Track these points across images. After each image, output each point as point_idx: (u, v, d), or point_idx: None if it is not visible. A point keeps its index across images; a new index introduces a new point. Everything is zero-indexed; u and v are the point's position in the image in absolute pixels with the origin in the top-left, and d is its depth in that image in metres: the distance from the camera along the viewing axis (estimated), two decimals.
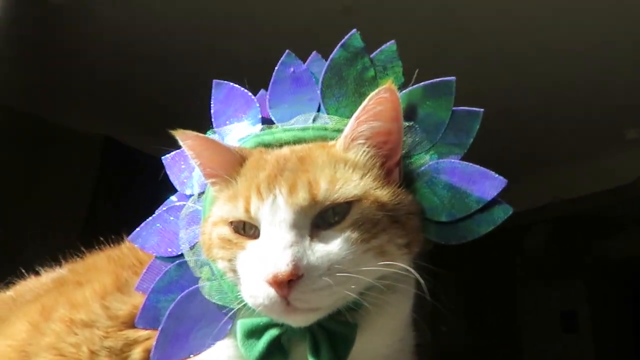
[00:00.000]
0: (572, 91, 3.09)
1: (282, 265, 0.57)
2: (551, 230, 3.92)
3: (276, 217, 0.61)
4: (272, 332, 0.65)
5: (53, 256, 0.91)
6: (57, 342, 0.70)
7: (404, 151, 0.72)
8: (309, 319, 0.62)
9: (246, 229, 0.65)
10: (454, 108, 0.73)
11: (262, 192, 0.63)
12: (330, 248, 0.60)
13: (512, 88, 3.03)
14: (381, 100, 0.66)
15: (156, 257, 0.75)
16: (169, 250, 0.74)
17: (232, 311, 0.68)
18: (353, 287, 0.61)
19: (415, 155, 0.73)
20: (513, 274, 4.21)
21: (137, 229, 0.78)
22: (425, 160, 0.72)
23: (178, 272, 0.72)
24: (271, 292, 0.58)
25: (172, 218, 0.76)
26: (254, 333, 0.66)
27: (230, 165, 0.69)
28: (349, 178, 0.64)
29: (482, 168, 0.71)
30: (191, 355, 0.68)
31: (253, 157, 0.70)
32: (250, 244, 0.63)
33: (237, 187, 0.67)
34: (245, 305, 0.66)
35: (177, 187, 0.79)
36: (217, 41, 2.78)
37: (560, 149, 3.65)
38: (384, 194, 0.65)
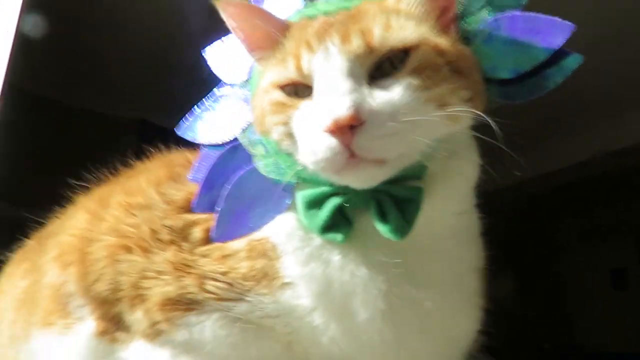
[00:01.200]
0: None
1: (342, 109, 0.54)
2: (597, 186, 3.79)
3: (330, 67, 0.58)
4: (335, 201, 0.62)
5: None
6: (116, 224, 0.69)
7: (460, 9, 0.68)
8: (373, 176, 0.59)
9: (299, 92, 0.62)
10: None
11: (313, 46, 0.60)
12: (391, 95, 0.57)
13: None
14: None
15: (206, 147, 0.73)
16: (220, 137, 0.72)
17: (290, 186, 0.65)
18: (419, 137, 0.57)
19: (471, 13, 0.68)
20: (560, 232, 4.11)
21: (185, 122, 0.76)
22: (482, 17, 0.67)
23: (231, 155, 0.70)
24: (332, 142, 0.55)
25: (218, 106, 0.74)
26: (315, 203, 0.63)
27: (272, 37, 0.66)
28: (405, 25, 0.61)
29: (546, 16, 0.66)
30: (252, 232, 0.66)
31: (296, 25, 0.66)
32: (305, 103, 0.61)
33: (285, 49, 0.64)
34: (303, 178, 0.63)
35: (221, 78, 0.76)
36: None
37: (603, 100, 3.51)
38: (443, 41, 0.61)
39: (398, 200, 0.61)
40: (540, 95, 0.65)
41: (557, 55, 0.65)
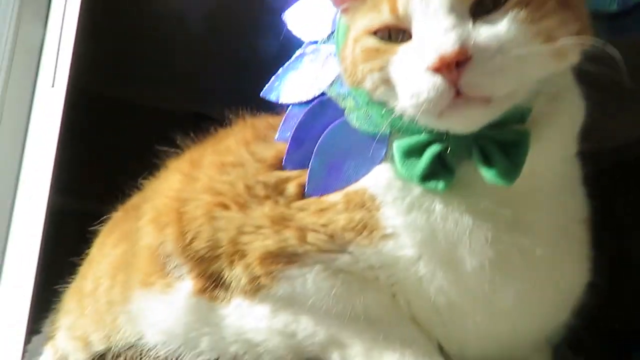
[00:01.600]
0: None
1: (447, 45, 0.52)
2: None
3: (430, 5, 0.55)
4: (434, 148, 0.60)
5: None
6: (211, 183, 0.69)
7: None
8: (479, 116, 0.56)
9: (393, 37, 0.59)
10: None
11: None
12: (498, 28, 0.54)
13: None
14: None
15: (291, 106, 0.72)
16: (305, 94, 0.71)
17: (384, 137, 0.63)
18: (527, 73, 0.55)
19: None
20: None
21: (267, 84, 0.75)
22: None
23: (320, 110, 0.68)
24: (437, 80, 0.52)
25: (301, 65, 0.73)
26: (413, 152, 0.60)
27: None
28: None
29: None
30: (347, 185, 0.64)
31: None
32: (402, 47, 0.58)
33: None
34: (398, 127, 0.62)
35: (302, 38, 0.76)
36: None
37: None
38: None
39: (502, 144, 0.58)
40: None
41: None
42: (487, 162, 0.58)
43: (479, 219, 0.59)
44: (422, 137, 0.60)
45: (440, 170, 0.60)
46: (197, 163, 0.74)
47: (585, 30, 0.59)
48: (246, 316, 0.65)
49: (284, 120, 0.72)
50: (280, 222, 0.63)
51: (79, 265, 0.97)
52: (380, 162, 0.64)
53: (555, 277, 0.63)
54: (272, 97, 0.74)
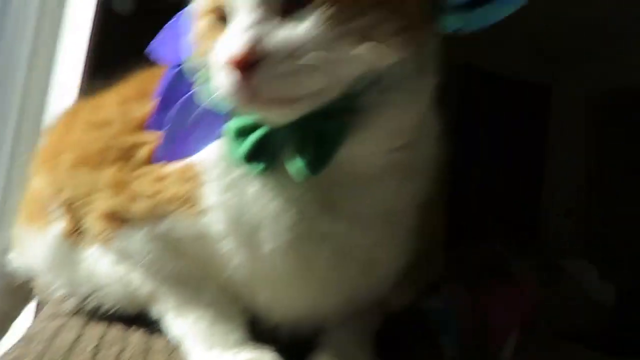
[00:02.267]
0: None
1: (237, 46, 0.53)
2: None
3: None
4: (260, 131, 0.62)
5: None
6: (79, 138, 0.78)
7: None
8: (284, 114, 0.58)
9: (225, 17, 0.60)
10: None
11: None
12: (297, 30, 0.54)
13: None
14: None
15: (169, 67, 0.75)
16: (177, 57, 0.73)
17: (225, 115, 0.66)
18: (322, 77, 0.55)
19: None
20: None
21: (154, 40, 0.78)
22: None
23: (179, 78, 0.71)
24: (234, 77, 0.55)
25: (178, 24, 0.75)
26: (242, 132, 0.64)
27: None
28: None
29: None
30: (188, 156, 0.69)
31: None
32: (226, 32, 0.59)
33: None
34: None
35: None
36: None
37: None
38: None
39: (320, 133, 0.60)
40: (486, 25, 0.59)
41: None
42: (301, 150, 0.60)
43: (288, 204, 0.64)
44: (250, 119, 0.63)
45: (263, 153, 0.63)
46: (75, 115, 0.80)
47: (414, 28, 0.57)
48: (97, 262, 0.75)
49: (161, 80, 0.75)
50: (119, 185, 0.70)
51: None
52: (216, 139, 0.67)
53: (364, 259, 0.67)
54: (154, 55, 0.77)
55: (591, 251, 3.87)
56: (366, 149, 0.63)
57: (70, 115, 0.84)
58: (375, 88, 0.59)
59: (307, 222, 0.64)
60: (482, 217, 3.96)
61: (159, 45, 0.76)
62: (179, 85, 0.71)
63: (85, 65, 1.39)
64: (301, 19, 0.54)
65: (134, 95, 0.78)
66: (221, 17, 0.61)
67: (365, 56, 0.55)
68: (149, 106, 0.76)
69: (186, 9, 0.76)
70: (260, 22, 0.54)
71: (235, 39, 0.54)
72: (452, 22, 0.61)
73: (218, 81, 0.57)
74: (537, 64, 4.01)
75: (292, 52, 0.53)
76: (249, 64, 0.53)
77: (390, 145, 0.65)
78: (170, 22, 0.76)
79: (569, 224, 4.11)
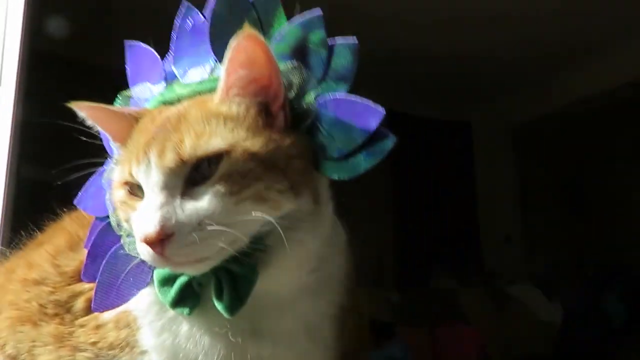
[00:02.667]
0: None
1: (150, 226, 0.62)
2: None
3: (150, 179, 0.66)
4: (183, 279, 0.71)
5: None
6: (15, 299, 0.82)
7: (293, 92, 0.72)
8: (198, 269, 0.67)
9: (139, 190, 0.69)
10: (330, 42, 0.71)
11: (139, 157, 0.67)
12: (199, 204, 0.64)
13: None
14: (242, 48, 0.66)
15: (96, 217, 0.83)
16: (103, 210, 0.81)
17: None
18: (226, 239, 0.64)
19: (305, 94, 0.72)
20: None
21: (80, 192, 0.85)
22: (312, 98, 0.71)
23: (109, 230, 0.79)
24: (150, 250, 0.63)
25: (100, 181, 0.83)
26: (167, 281, 0.72)
27: (126, 129, 0.74)
28: (217, 132, 0.66)
29: (362, 100, 0.69)
30: (123, 303, 0.76)
31: (143, 120, 0.73)
32: (139, 204, 0.68)
33: (127, 151, 0.71)
34: None
35: (107, 150, 0.85)
36: None
37: None
38: (256, 143, 0.66)
39: (234, 276, 0.68)
40: (356, 175, 0.69)
41: (377, 135, 0.68)
42: (221, 292, 0.69)
43: (216, 338, 0.72)
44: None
45: (188, 296, 0.71)
46: (9, 275, 0.86)
47: (300, 184, 0.68)
48: None
49: (90, 230, 0.82)
50: (60, 340, 0.77)
51: None
52: (146, 286, 0.75)
53: None
54: (82, 207, 0.85)
55: (534, 274, 4.09)
56: (279, 280, 0.72)
57: (4, 274, 0.89)
58: (277, 229, 0.68)
59: (237, 351, 0.72)
60: (427, 256, 4.13)
61: (84, 199, 0.84)
62: (107, 237, 0.79)
63: None
64: (202, 194, 0.64)
65: (64, 247, 0.85)
66: (132, 191, 0.70)
67: (262, 212, 0.65)
68: (79, 256, 0.83)
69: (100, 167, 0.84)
70: (166, 202, 0.64)
71: (147, 219, 0.63)
72: (329, 171, 0.70)
73: (139, 250, 0.66)
74: (455, 103, 4.30)
75: (198, 224, 0.63)
76: (161, 240, 0.62)
77: (301, 272, 0.74)
78: (92, 178, 0.84)
79: (509, 250, 4.34)
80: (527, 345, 3.29)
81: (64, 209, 0.95)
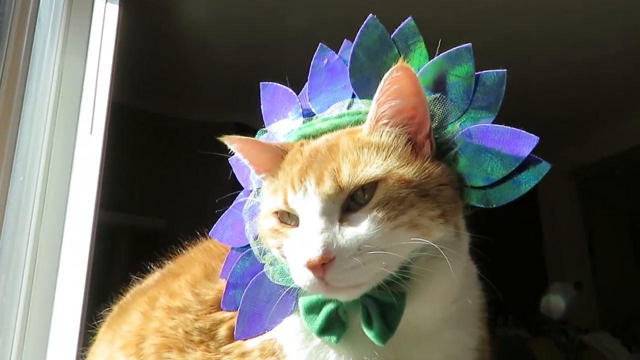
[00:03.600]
0: None
1: (313, 251, 0.64)
2: None
3: (308, 206, 0.68)
4: (329, 307, 0.72)
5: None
6: (160, 326, 0.85)
7: (435, 122, 0.75)
8: (351, 294, 0.68)
9: (289, 219, 0.72)
10: (477, 72, 0.73)
11: (295, 185, 0.70)
12: (358, 230, 0.66)
13: None
14: (395, 79, 0.69)
15: (232, 248, 0.86)
16: (240, 241, 0.84)
17: (295, 291, 0.76)
18: (385, 263, 0.65)
19: (448, 124, 0.74)
20: None
21: (215, 224, 0.89)
22: (457, 128, 0.74)
23: (248, 259, 0.82)
24: (310, 275, 0.65)
25: (238, 212, 0.86)
26: (313, 309, 0.73)
27: (273, 161, 0.77)
28: (371, 160, 0.69)
29: (513, 128, 0.71)
30: (266, 331, 0.78)
31: (291, 152, 0.77)
32: (292, 232, 0.71)
33: (278, 181, 0.74)
34: None
35: (242, 185, 0.88)
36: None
37: None
38: (409, 171, 0.68)
39: (383, 305, 0.70)
40: (504, 203, 0.70)
41: (528, 162, 0.69)
42: (370, 321, 0.70)
43: None
44: (320, 296, 0.73)
45: (335, 324, 0.73)
46: (152, 303, 0.89)
47: (449, 212, 0.70)
48: None
49: (226, 261, 0.85)
50: None
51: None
52: (290, 314, 0.77)
53: None
54: (217, 238, 0.88)
55: (609, 322, 3.90)
56: (425, 310, 0.73)
57: (147, 303, 0.92)
58: (423, 259, 0.70)
59: None
60: (494, 305, 4.01)
61: (219, 230, 0.87)
62: (246, 267, 0.82)
63: None
64: (358, 220, 0.66)
65: (202, 277, 0.88)
66: (284, 219, 0.73)
67: (416, 238, 0.67)
68: (217, 285, 0.86)
69: (237, 199, 0.88)
70: (326, 227, 0.66)
71: (309, 245, 0.65)
72: (475, 200, 0.72)
73: (296, 276, 0.68)
74: None
75: (360, 248, 0.65)
76: (323, 265, 0.64)
77: (444, 302, 0.75)
78: (228, 210, 0.88)
79: (580, 297, 4.16)
80: None
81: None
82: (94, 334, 1.05)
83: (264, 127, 0.88)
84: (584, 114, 3.78)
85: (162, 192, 3.56)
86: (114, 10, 1.85)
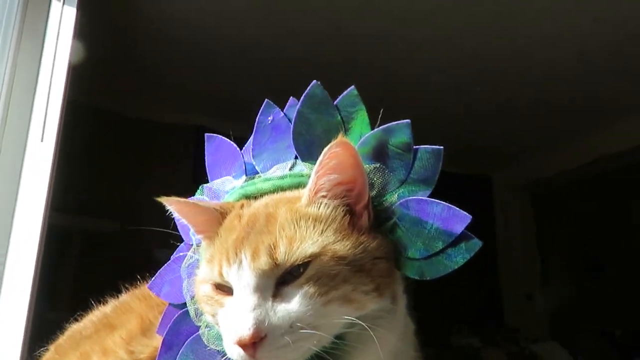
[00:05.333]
0: None
1: (244, 329, 0.64)
2: None
3: (242, 280, 0.67)
4: None
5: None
6: None
7: (375, 191, 0.75)
8: None
9: (225, 286, 0.71)
10: (416, 147, 0.74)
11: (229, 258, 0.69)
12: (291, 307, 0.65)
13: None
14: (334, 155, 0.69)
15: (170, 304, 0.84)
16: (178, 298, 0.83)
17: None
18: (316, 342, 0.65)
19: (387, 194, 0.75)
20: None
21: (153, 278, 0.87)
22: (395, 198, 0.74)
23: (185, 319, 0.81)
24: (241, 351, 0.65)
25: (176, 267, 0.85)
26: None
27: (211, 224, 0.76)
28: (308, 236, 0.68)
29: (448, 205, 0.71)
30: None
31: (230, 216, 0.76)
32: (227, 301, 0.70)
33: (214, 248, 0.73)
34: None
35: (184, 238, 0.87)
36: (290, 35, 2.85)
37: None
38: (344, 246, 0.68)
39: None
40: (438, 276, 0.71)
41: (461, 238, 0.70)
42: None
43: None
44: None
45: None
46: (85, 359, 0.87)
47: (383, 285, 0.70)
48: None
49: (163, 316, 0.84)
50: None
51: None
52: None
53: None
54: (155, 292, 0.87)
55: (558, 333, 4.02)
56: None
57: (79, 359, 0.90)
58: (356, 329, 0.69)
59: None
60: (449, 313, 4.08)
61: (159, 284, 0.86)
62: (183, 326, 0.81)
63: None
64: (291, 295, 0.66)
65: (137, 332, 0.87)
66: (219, 287, 0.72)
67: (347, 313, 0.67)
68: (153, 342, 0.84)
69: (177, 253, 0.87)
70: (259, 304, 0.66)
71: (241, 322, 0.64)
72: (410, 271, 0.73)
73: (228, 349, 0.67)
74: (477, 159, 4.34)
75: (292, 326, 0.64)
76: (253, 343, 0.63)
77: None
78: (168, 264, 0.86)
79: (531, 308, 4.28)
80: None
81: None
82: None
83: (207, 181, 0.88)
84: (540, 130, 3.88)
85: (117, 194, 3.49)
86: (71, 12, 1.80)
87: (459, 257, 0.70)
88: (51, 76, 1.75)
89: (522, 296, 4.30)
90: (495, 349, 3.69)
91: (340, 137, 0.69)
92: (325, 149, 0.69)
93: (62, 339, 1.02)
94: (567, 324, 4.08)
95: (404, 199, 0.73)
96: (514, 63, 3.03)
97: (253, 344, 0.64)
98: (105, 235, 3.35)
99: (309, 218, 0.70)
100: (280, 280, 0.67)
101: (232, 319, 0.66)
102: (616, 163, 3.80)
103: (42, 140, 1.74)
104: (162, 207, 0.80)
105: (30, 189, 1.62)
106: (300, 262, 0.67)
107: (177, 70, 3.29)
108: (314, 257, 0.67)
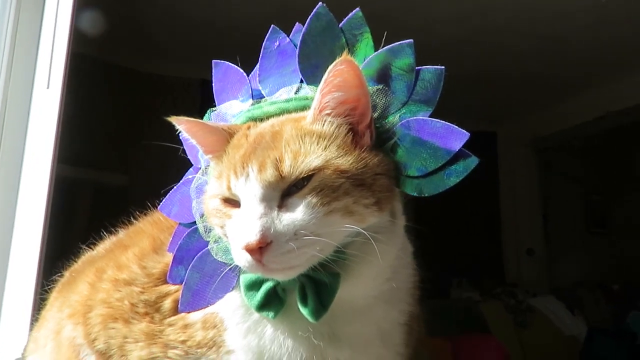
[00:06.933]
0: None
1: (252, 235, 0.67)
2: None
3: (249, 192, 0.71)
4: (268, 284, 0.76)
5: None
6: (107, 297, 0.88)
7: (377, 112, 0.77)
8: (287, 275, 0.72)
9: (233, 200, 0.75)
10: (418, 67, 0.76)
11: (237, 171, 0.72)
12: (295, 215, 0.69)
13: None
14: (339, 72, 0.71)
15: (179, 223, 0.88)
16: (187, 217, 0.86)
17: (237, 268, 0.79)
18: (319, 248, 0.69)
19: (389, 115, 0.77)
20: None
21: (164, 199, 0.91)
22: (397, 119, 0.76)
23: (194, 236, 0.84)
24: (248, 257, 0.69)
25: (186, 189, 0.88)
26: (253, 286, 0.77)
27: (219, 143, 0.79)
28: (312, 151, 0.71)
29: (447, 123, 0.74)
30: (209, 305, 0.81)
31: (237, 135, 0.79)
32: (235, 212, 0.74)
33: (223, 165, 0.77)
34: None
35: (192, 161, 0.90)
36: None
37: None
38: (346, 161, 0.72)
39: (318, 283, 0.74)
40: (436, 193, 0.74)
41: (459, 155, 0.73)
42: (304, 299, 0.74)
43: (298, 341, 0.77)
44: (259, 275, 0.76)
45: (273, 300, 0.76)
46: (100, 275, 0.91)
47: (383, 200, 0.73)
48: None
49: (173, 235, 0.88)
50: (151, 337, 0.82)
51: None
52: (231, 290, 0.80)
53: None
54: (165, 213, 0.90)
55: (557, 287, 4.10)
56: (358, 288, 0.77)
57: (95, 274, 0.95)
58: (359, 240, 0.74)
59: (318, 353, 0.77)
60: (450, 267, 4.16)
61: (168, 205, 0.90)
62: (192, 242, 0.85)
63: None
64: (295, 205, 0.69)
65: (150, 250, 0.91)
66: (227, 201, 0.75)
67: (349, 224, 0.70)
68: (164, 259, 0.88)
69: (186, 175, 0.90)
70: (265, 213, 0.69)
71: (248, 229, 0.68)
72: (409, 189, 0.76)
73: (236, 256, 0.71)
74: (483, 115, 4.34)
75: (296, 233, 0.68)
76: (260, 248, 0.67)
77: (376, 283, 0.79)
78: (177, 186, 0.90)
79: (531, 263, 4.35)
80: (550, 359, 3.30)
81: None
82: (45, 299, 1.07)
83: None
84: (546, 86, 3.86)
85: (125, 148, 3.53)
86: None
87: (457, 174, 0.73)
88: (55, 24, 1.75)
89: (523, 252, 4.37)
90: (494, 301, 3.76)
91: (344, 55, 0.71)
92: (330, 66, 0.71)
93: (77, 264, 1.07)
94: (565, 279, 4.16)
95: (405, 120, 0.76)
96: (521, 14, 3.00)
97: (260, 249, 0.67)
98: (114, 189, 3.40)
99: (314, 134, 0.73)
100: (285, 192, 0.70)
101: (241, 227, 0.70)
102: (622, 119, 3.79)
103: (48, 87, 1.76)
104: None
105: (37, 137, 1.65)
106: (305, 175, 0.70)
107: (183, 25, 3.28)
108: (318, 170, 0.70)
